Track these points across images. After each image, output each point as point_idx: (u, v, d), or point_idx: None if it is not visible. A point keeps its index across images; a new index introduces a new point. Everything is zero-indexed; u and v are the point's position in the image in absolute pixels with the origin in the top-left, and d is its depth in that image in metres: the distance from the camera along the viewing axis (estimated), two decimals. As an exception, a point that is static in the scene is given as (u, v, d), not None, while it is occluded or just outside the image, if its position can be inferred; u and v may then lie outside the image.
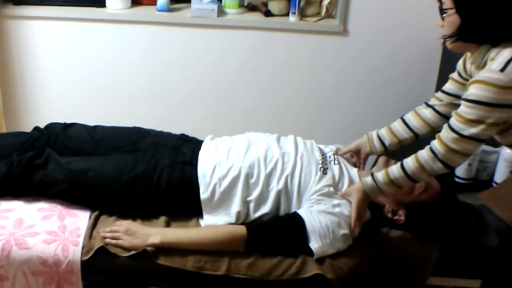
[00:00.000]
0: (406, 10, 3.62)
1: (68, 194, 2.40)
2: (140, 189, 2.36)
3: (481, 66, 2.17)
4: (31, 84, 3.88)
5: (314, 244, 2.25)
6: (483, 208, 2.79)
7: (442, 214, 2.41)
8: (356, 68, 3.76)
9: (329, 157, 2.53)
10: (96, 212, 2.40)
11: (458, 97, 2.42)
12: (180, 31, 3.75)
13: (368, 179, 2.31)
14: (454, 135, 2.11)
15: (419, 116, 2.56)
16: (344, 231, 2.27)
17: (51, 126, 2.67)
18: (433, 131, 2.49)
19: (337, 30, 3.67)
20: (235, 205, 2.36)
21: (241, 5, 3.78)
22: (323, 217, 2.27)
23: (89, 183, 2.38)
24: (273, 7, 3.74)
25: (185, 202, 2.41)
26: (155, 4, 3.73)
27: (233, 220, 2.35)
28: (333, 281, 2.19)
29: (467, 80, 2.36)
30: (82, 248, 2.24)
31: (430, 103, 2.57)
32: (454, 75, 2.50)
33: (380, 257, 2.36)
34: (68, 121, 2.72)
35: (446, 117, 2.47)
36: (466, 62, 2.36)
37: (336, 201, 2.33)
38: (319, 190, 2.35)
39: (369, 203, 2.37)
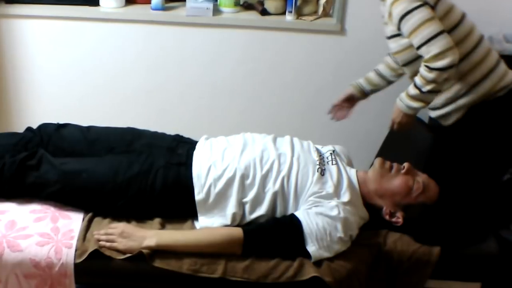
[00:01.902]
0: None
1: (61, 196, 2.38)
2: (134, 191, 2.34)
3: None
4: (24, 84, 3.86)
5: (311, 247, 2.23)
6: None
7: (441, 216, 2.39)
8: (353, 68, 3.73)
9: (327, 157, 2.50)
10: (90, 214, 2.38)
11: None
12: (175, 30, 3.73)
13: (397, 99, 2.63)
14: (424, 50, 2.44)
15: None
16: (341, 234, 2.25)
17: (44, 127, 2.65)
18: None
19: (334, 29, 3.65)
20: (231, 207, 2.34)
21: (237, 3, 3.77)
22: (321, 220, 2.25)
23: (82, 185, 2.35)
24: (269, 5, 3.72)
25: (180, 204, 2.39)
26: (149, 2, 3.72)
27: (228, 222, 2.33)
28: (330, 284, 2.17)
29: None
30: (76, 250, 2.22)
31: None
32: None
33: (379, 259, 2.35)
34: (61, 122, 2.69)
35: None
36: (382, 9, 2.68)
37: (333, 203, 2.30)
38: (317, 192, 2.32)
39: (404, 115, 2.63)
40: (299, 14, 3.71)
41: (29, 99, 3.90)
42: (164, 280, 2.22)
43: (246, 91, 3.87)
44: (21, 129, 2.71)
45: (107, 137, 2.59)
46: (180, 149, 2.52)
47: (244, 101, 3.90)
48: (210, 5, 3.64)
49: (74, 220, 2.34)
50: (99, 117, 3.79)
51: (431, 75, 2.45)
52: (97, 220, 2.36)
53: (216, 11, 3.74)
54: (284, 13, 3.72)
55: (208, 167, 2.38)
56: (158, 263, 2.20)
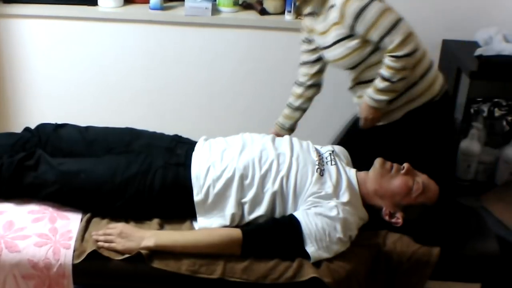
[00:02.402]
0: (404, 9, 3.58)
1: (60, 196, 2.37)
2: (133, 191, 2.33)
3: (328, 7, 2.61)
4: (22, 84, 3.85)
5: (310, 248, 2.22)
6: (482, 211, 2.77)
7: (441, 217, 2.38)
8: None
9: (326, 157, 2.49)
10: (88, 215, 2.37)
11: (320, 59, 2.91)
12: (174, 30, 3.72)
13: (366, 97, 2.67)
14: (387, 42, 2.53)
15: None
16: (340, 235, 2.24)
17: (42, 127, 2.64)
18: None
19: (333, 29, 3.64)
20: (230, 207, 2.32)
21: (235, 3, 3.76)
22: (320, 220, 2.24)
23: (80, 185, 2.34)
24: (269, 5, 3.71)
25: (178, 204, 2.38)
26: (148, 2, 3.71)
27: (227, 222, 2.32)
28: (330, 285, 2.16)
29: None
30: (74, 251, 2.21)
31: (301, 80, 3.03)
32: (305, 46, 2.95)
33: (378, 260, 2.33)
34: (60, 122, 2.68)
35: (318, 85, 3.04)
36: (308, 25, 2.82)
37: (332, 204, 2.29)
38: (316, 192, 2.31)
39: (374, 111, 2.69)
40: (298, 13, 3.70)
41: (27, 99, 3.89)
42: (163, 281, 2.21)
43: (245, 91, 3.86)
44: (19, 129, 2.70)
45: (105, 137, 2.58)
46: (179, 150, 2.50)
47: (243, 101, 3.89)
48: (209, 5, 3.64)
49: (72, 221, 2.33)
50: (97, 117, 3.77)
51: (399, 64, 2.53)
52: (95, 220, 2.35)
53: (215, 10, 3.73)
54: (283, 12, 3.71)
55: (207, 168, 2.37)
56: (156, 264, 2.18)
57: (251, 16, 3.73)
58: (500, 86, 3.46)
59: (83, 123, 2.68)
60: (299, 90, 3.05)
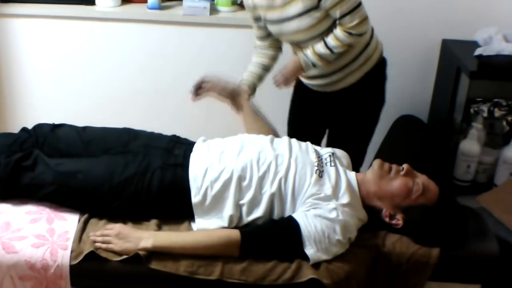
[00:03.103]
0: (403, 9, 3.59)
1: (57, 197, 2.36)
2: (130, 192, 2.32)
3: None
4: (19, 84, 3.84)
5: (309, 250, 2.21)
6: (481, 211, 2.76)
7: (441, 218, 2.37)
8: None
9: (325, 159, 2.48)
10: (86, 215, 2.36)
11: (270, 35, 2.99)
12: (172, 30, 3.72)
13: (301, 55, 2.79)
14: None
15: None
16: (339, 237, 2.23)
17: (39, 127, 2.63)
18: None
19: (332, 29, 3.63)
20: (228, 209, 2.31)
21: (234, 2, 3.75)
22: (319, 222, 2.22)
23: (78, 186, 2.34)
24: (267, 5, 3.70)
25: (176, 205, 2.37)
26: (146, 1, 3.71)
27: (225, 224, 2.31)
28: (329, 286, 2.15)
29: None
30: (71, 252, 2.20)
31: (265, 49, 3.10)
32: (256, 24, 3.00)
33: (377, 261, 2.32)
34: (57, 122, 2.67)
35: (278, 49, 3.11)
36: (252, 3, 2.89)
37: (332, 206, 2.28)
38: (315, 193, 2.30)
39: (300, 70, 2.84)
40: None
41: (24, 99, 3.88)
42: (161, 282, 2.20)
43: (244, 91, 3.85)
44: (16, 129, 2.69)
45: (103, 138, 2.57)
46: (177, 150, 2.49)
47: (242, 101, 3.88)
48: (207, 4, 3.63)
49: (69, 222, 2.32)
50: (95, 117, 3.77)
51: (349, 40, 2.71)
52: (93, 221, 2.34)
53: (213, 10, 3.73)
54: (281, 12, 3.70)
55: (205, 169, 2.36)
56: (154, 265, 2.17)
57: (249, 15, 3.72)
58: (500, 86, 3.45)
59: (80, 123, 2.67)
60: (263, 51, 3.11)
